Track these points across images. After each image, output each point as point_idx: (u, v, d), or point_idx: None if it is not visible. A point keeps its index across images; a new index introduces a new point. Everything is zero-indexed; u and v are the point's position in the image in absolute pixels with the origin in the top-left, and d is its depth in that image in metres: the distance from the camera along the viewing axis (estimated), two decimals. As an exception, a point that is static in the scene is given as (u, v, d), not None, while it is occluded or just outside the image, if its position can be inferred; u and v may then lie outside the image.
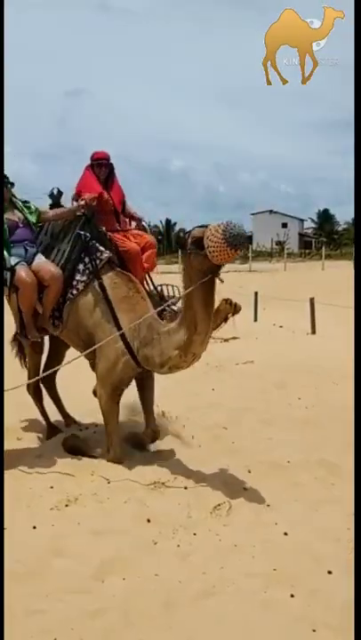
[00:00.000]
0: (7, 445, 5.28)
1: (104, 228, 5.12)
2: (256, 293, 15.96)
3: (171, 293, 14.96)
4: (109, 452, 4.82)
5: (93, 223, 5.02)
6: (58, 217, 5.13)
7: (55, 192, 5.43)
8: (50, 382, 5.69)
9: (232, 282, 13.36)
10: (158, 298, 14.05)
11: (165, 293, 12.41)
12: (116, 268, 4.99)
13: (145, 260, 5.34)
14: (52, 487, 4.32)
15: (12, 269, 4.71)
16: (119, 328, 4.65)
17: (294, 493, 4.36)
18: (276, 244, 56.01)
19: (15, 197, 5.02)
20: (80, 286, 4.90)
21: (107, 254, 4.93)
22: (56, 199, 5.47)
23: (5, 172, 4.87)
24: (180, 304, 12.07)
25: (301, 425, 6.15)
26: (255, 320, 14.50)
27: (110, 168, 5.43)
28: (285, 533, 3.69)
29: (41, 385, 5.64)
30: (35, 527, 3.73)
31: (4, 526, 3.69)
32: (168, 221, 73.38)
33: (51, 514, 3.95)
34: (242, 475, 4.67)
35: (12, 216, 4.88)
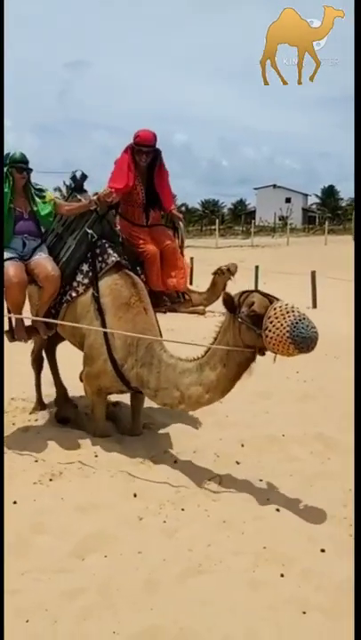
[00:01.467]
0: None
1: (119, 227, 4.76)
2: (257, 267, 15.72)
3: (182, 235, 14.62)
4: (94, 426, 4.65)
5: (106, 221, 4.63)
6: (71, 212, 4.64)
7: (78, 175, 4.81)
8: (52, 351, 5.52)
9: (233, 256, 13.22)
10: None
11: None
12: (124, 269, 4.53)
13: (167, 274, 4.87)
14: (36, 461, 4.16)
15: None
16: (109, 345, 4.31)
17: (289, 468, 4.19)
18: (280, 219, 55.42)
19: (30, 184, 4.56)
20: (80, 289, 4.53)
21: (113, 258, 4.49)
22: (79, 184, 4.85)
23: (19, 153, 4.46)
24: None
25: (299, 398, 5.98)
26: (256, 294, 14.27)
27: (155, 155, 4.76)
28: (277, 509, 3.51)
29: (43, 354, 5.49)
30: (15, 502, 3.56)
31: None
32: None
33: (34, 488, 3.78)
34: (235, 449, 4.51)
35: (20, 207, 4.49)
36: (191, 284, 17.55)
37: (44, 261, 4.47)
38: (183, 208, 72.63)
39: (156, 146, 4.75)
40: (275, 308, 3.44)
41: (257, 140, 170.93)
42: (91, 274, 4.50)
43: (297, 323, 3.32)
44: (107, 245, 4.54)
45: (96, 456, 4.23)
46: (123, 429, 4.91)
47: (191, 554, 3.06)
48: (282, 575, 2.88)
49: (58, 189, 60.84)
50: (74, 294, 4.55)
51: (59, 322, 4.58)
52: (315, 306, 12.90)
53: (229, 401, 5.69)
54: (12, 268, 4.31)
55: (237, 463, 4.25)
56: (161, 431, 4.90)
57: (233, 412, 5.42)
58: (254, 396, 5.96)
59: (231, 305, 3.68)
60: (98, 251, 4.52)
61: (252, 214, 62.61)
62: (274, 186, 64.60)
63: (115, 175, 4.68)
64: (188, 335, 10.00)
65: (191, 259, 17.90)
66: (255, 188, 66.69)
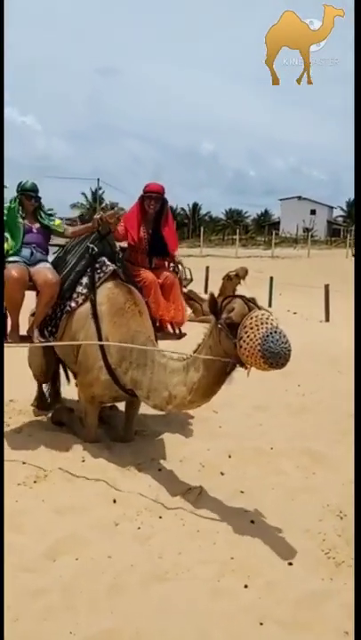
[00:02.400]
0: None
1: (119, 248, 4.99)
2: (271, 279, 15.74)
3: (183, 275, 14.79)
4: (85, 433, 4.71)
5: (107, 241, 4.83)
6: (76, 234, 4.99)
7: (108, 206, 5.16)
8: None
9: (251, 267, 13.20)
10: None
11: (182, 276, 11.98)
12: (120, 279, 4.71)
13: (166, 304, 5.04)
14: (24, 462, 4.24)
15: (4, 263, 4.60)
16: (104, 350, 4.36)
17: (273, 481, 4.21)
18: (304, 231, 55.19)
19: (42, 209, 4.99)
20: (80, 299, 4.65)
21: (111, 267, 4.67)
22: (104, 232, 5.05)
23: (30, 183, 4.93)
24: (189, 287, 11.77)
25: (295, 412, 5.99)
26: (270, 305, 14.28)
27: (162, 203, 5.12)
28: (252, 521, 3.55)
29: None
30: (-4, 502, 3.66)
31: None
32: (195, 205, 73.01)
33: (17, 489, 3.87)
34: (221, 459, 4.55)
35: (29, 223, 4.87)
36: (206, 292, 17.68)
37: (45, 269, 4.72)
38: (207, 217, 72.96)
39: (164, 196, 5.14)
40: (251, 317, 3.26)
41: (285, 151, 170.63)
42: (89, 284, 4.64)
43: (267, 336, 3.13)
44: (105, 260, 4.72)
45: (83, 461, 4.31)
46: (114, 436, 4.98)
47: (160, 561, 3.11)
48: (245, 586, 2.92)
49: (83, 194, 61.87)
50: (73, 305, 4.67)
51: (53, 343, 4.78)
52: (327, 319, 12.87)
53: (225, 411, 5.80)
54: (14, 269, 4.55)
55: (222, 474, 4.29)
56: (151, 439, 4.96)
57: (227, 423, 5.47)
58: (251, 408, 6.00)
59: (214, 308, 3.54)
60: (97, 265, 4.70)
61: (276, 225, 62.43)
62: (299, 197, 64.37)
63: (125, 220, 5.08)
64: (195, 343, 10.10)
65: (207, 268, 18.05)
66: (280, 199, 66.54)
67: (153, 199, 5.05)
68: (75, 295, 4.68)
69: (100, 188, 60.67)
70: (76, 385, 4.91)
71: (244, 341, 3.24)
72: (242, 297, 3.51)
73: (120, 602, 2.75)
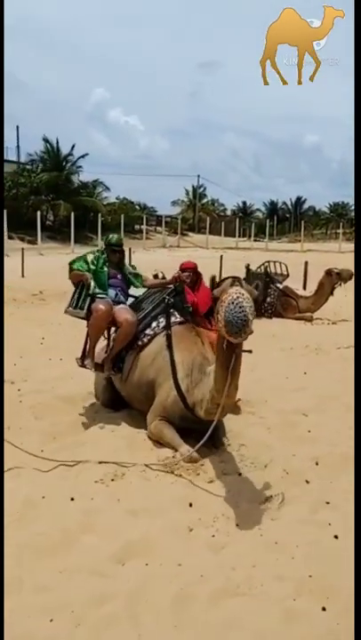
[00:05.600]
0: (72, 414, 5.32)
1: (188, 305, 5.37)
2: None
3: (278, 270, 14.38)
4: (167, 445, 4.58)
5: (181, 297, 5.33)
6: (155, 285, 5.62)
7: (160, 275, 5.91)
8: None
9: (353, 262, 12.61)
10: (264, 275, 13.59)
11: (273, 270, 12.15)
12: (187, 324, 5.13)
13: None
14: (102, 461, 4.20)
15: (94, 297, 5.23)
16: (175, 368, 4.63)
17: (362, 492, 3.90)
18: None
19: (126, 265, 5.74)
20: (145, 339, 5.11)
21: (180, 320, 5.12)
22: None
23: (116, 237, 5.81)
24: (285, 283, 11.43)
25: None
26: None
27: (197, 276, 6.28)
28: (336, 536, 3.28)
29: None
30: (72, 499, 3.64)
31: (44, 495, 3.68)
32: (298, 199, 71.54)
33: (94, 487, 3.85)
34: (308, 466, 4.29)
35: (113, 271, 5.53)
36: (305, 288, 17.11)
37: (126, 310, 5.36)
38: (311, 211, 71.19)
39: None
40: (226, 292, 3.47)
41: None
42: (159, 327, 5.12)
43: (228, 305, 3.33)
44: (176, 313, 5.20)
45: (162, 461, 4.21)
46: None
47: (232, 573, 2.94)
48: (323, 609, 2.68)
49: (185, 190, 62.41)
50: (140, 343, 5.13)
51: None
52: None
53: (315, 414, 5.52)
54: (102, 303, 5.18)
55: (307, 482, 4.04)
56: (236, 442, 4.77)
57: (316, 427, 5.19)
58: (345, 412, 5.64)
59: (214, 289, 3.79)
60: (168, 314, 5.19)
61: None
62: None
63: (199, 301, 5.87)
64: (288, 341, 9.79)
65: (305, 263, 17.51)
66: (388, 191, 63.46)
67: (188, 272, 6.06)
68: (142, 335, 5.16)
69: (201, 186, 61.04)
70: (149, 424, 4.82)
71: (218, 314, 3.45)
72: (234, 277, 3.68)
73: (185, 615, 2.61)
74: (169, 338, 4.89)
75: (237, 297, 3.38)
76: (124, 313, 5.22)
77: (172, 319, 5.12)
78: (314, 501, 3.73)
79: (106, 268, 5.46)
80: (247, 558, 3.07)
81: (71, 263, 5.47)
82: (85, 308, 5.22)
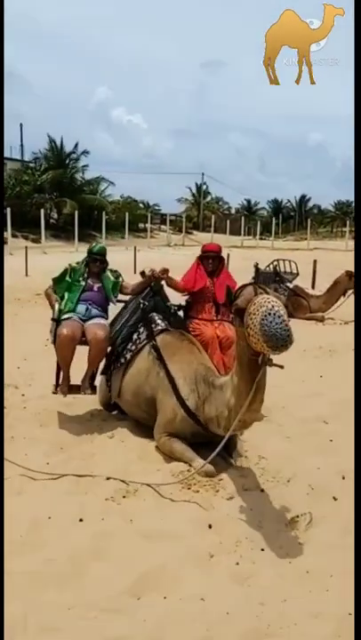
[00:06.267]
0: (80, 421, 5.02)
1: (169, 304, 5.06)
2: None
3: (288, 269, 14.03)
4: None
5: (159, 297, 4.98)
6: (135, 289, 5.18)
7: (148, 272, 5.14)
8: None
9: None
10: (273, 274, 13.24)
11: (281, 269, 11.74)
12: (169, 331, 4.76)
13: (226, 362, 4.91)
14: (110, 478, 3.88)
15: (59, 321, 4.86)
16: (175, 385, 4.23)
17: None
18: None
19: (108, 272, 5.25)
20: (128, 355, 4.76)
21: (162, 326, 4.74)
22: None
23: (98, 247, 5.37)
24: (295, 282, 11.07)
25: None
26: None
27: (219, 260, 5.47)
28: (374, 565, 2.96)
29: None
30: (81, 520, 3.33)
31: (50, 516, 3.37)
32: (302, 197, 71.05)
33: (104, 505, 3.54)
34: (333, 481, 3.98)
35: (91, 282, 5.13)
36: (313, 287, 16.77)
37: (96, 325, 4.89)
38: (316, 210, 70.71)
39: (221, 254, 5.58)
40: (253, 303, 3.17)
41: None
42: (140, 340, 4.73)
43: (265, 317, 3.03)
44: (156, 317, 4.81)
45: (177, 477, 3.89)
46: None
47: (261, 609, 2.62)
48: (369, 655, 2.36)
49: (189, 189, 62.15)
50: (123, 360, 4.78)
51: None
52: None
53: (337, 422, 5.19)
54: (65, 327, 4.76)
55: (334, 499, 3.72)
56: (254, 453, 4.45)
57: (338, 436, 4.87)
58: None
59: (231, 298, 3.60)
60: (148, 320, 4.80)
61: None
62: None
63: (186, 277, 5.37)
64: (301, 342, 9.42)
65: (314, 262, 17.16)
66: (393, 189, 63.01)
67: (211, 258, 5.38)
68: (124, 352, 4.80)
69: (204, 183, 60.67)
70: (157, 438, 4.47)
71: (250, 328, 3.14)
72: (254, 284, 3.41)
73: (212, 663, 2.30)
74: (157, 350, 4.49)
75: (273, 306, 3.07)
76: (93, 329, 4.83)
77: (155, 326, 4.74)
78: (344, 521, 3.40)
79: (82, 281, 5.10)
80: (277, 591, 2.76)
81: (53, 280, 5.21)
82: (53, 333, 4.92)
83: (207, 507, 3.54)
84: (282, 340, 3.02)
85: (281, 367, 3.30)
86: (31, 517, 3.31)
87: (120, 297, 5.32)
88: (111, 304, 5.24)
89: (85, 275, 5.14)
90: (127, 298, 5.31)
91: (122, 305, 5.34)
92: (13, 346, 6.95)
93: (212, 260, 5.38)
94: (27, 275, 17.23)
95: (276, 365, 3.32)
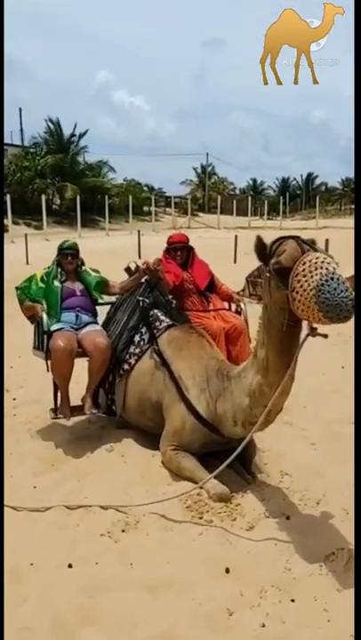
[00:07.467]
0: (75, 431, 4.43)
1: (170, 298, 4.52)
2: None
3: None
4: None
5: (157, 291, 4.49)
6: (124, 288, 4.65)
7: (133, 267, 4.66)
8: None
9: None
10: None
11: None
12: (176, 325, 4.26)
13: (236, 355, 4.49)
14: (109, 502, 3.29)
15: (50, 333, 4.25)
16: (181, 387, 3.76)
17: None
18: None
19: (83, 267, 4.70)
20: (133, 360, 4.21)
21: (166, 323, 4.22)
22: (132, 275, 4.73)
23: (69, 242, 4.76)
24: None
25: None
26: None
27: (187, 250, 5.04)
28: None
29: None
30: (70, 566, 2.74)
31: (32, 562, 2.78)
32: (309, 175, 69.79)
33: (99, 543, 2.94)
34: (372, 501, 3.35)
35: (70, 285, 4.55)
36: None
37: (93, 333, 4.36)
38: (323, 187, 69.44)
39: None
40: (303, 262, 2.68)
41: None
42: (144, 342, 4.23)
43: (323, 283, 2.55)
44: (159, 314, 4.32)
45: (186, 506, 3.28)
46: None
47: None
48: None
49: (194, 170, 61.22)
50: (126, 367, 4.24)
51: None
52: None
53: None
54: (60, 337, 4.17)
55: (375, 526, 3.11)
56: (276, 467, 3.84)
57: (370, 441, 4.24)
58: None
59: (262, 252, 2.98)
60: (151, 319, 4.30)
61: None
62: None
63: (170, 272, 4.79)
64: (318, 328, 8.82)
65: (326, 241, 16.38)
66: None
67: (178, 249, 4.98)
68: (127, 357, 4.25)
69: (210, 164, 59.66)
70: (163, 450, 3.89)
71: (298, 292, 2.67)
72: (296, 237, 2.91)
73: None
74: (160, 355, 4.01)
75: (334, 270, 2.59)
76: (91, 337, 4.28)
77: (160, 323, 4.24)
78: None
79: (58, 283, 4.48)
80: (316, 666, 2.16)
81: (17, 289, 4.56)
82: (44, 348, 4.29)
83: (223, 541, 2.94)
84: (346, 312, 2.54)
85: (325, 336, 2.81)
86: (10, 565, 2.72)
87: (106, 298, 4.78)
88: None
89: (60, 276, 4.53)
90: (113, 299, 4.77)
91: (108, 307, 4.81)
92: (7, 342, 6.36)
93: (180, 252, 4.97)
94: (27, 263, 16.62)
95: (320, 335, 2.82)
